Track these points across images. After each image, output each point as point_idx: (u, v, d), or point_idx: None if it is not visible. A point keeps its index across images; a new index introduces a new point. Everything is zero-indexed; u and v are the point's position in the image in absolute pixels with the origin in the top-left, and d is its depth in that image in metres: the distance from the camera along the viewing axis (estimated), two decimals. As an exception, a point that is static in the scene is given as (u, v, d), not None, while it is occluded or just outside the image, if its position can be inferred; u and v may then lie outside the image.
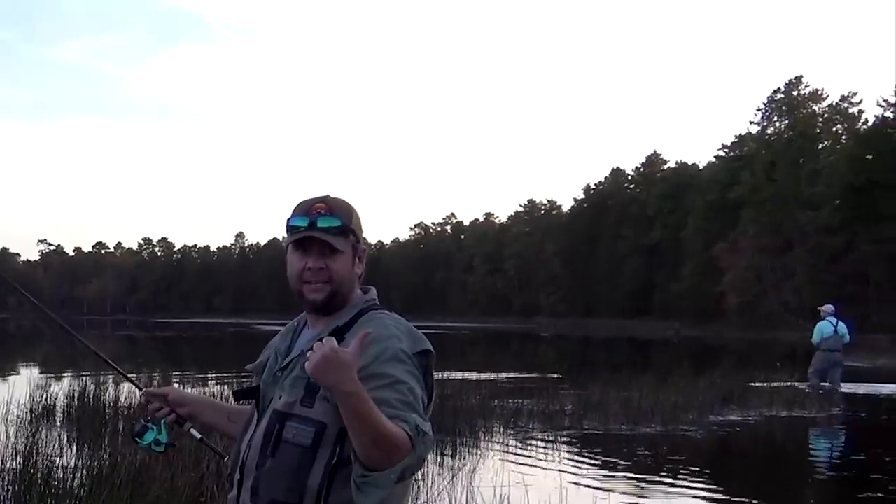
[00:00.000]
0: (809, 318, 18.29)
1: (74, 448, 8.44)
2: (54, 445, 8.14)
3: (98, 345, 2.93)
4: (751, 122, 77.30)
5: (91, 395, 10.87)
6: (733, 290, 67.00)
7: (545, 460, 8.97)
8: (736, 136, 79.22)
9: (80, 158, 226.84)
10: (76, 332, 2.75)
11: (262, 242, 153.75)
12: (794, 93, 71.32)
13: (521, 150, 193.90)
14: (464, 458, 8.83)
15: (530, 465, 8.63)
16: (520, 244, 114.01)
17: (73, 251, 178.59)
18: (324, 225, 1.96)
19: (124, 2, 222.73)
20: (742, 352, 33.75)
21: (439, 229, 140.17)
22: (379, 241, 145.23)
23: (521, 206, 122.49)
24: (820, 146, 69.50)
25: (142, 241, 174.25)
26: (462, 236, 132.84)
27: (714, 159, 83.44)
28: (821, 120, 70.75)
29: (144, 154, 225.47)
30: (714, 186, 76.32)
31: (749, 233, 66.41)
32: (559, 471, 8.21)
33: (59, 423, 10.19)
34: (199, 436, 2.40)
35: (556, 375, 19.27)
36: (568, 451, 9.58)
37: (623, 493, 7.45)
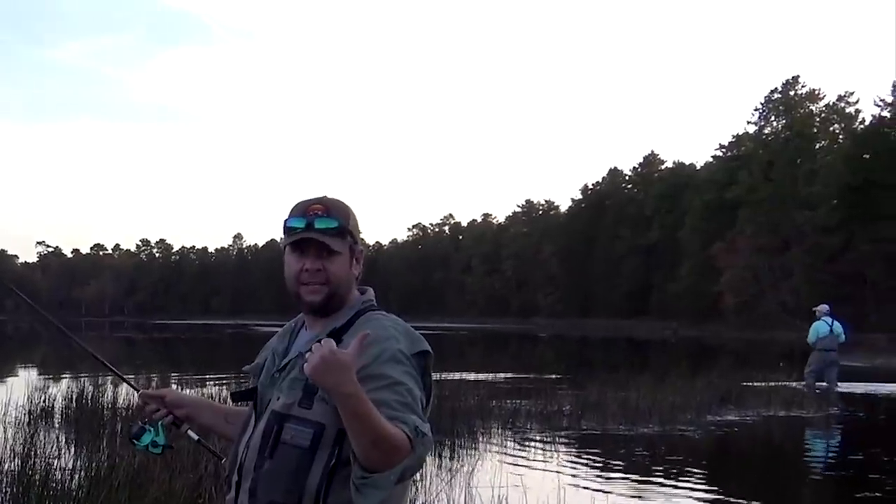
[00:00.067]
0: (807, 317, 18.29)
1: (72, 450, 8.44)
2: (52, 447, 8.10)
3: (96, 346, 2.93)
4: (748, 122, 77.55)
5: (89, 397, 10.88)
6: (731, 290, 67.01)
7: (543, 461, 8.98)
8: (733, 136, 79.23)
9: (79, 160, 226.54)
10: (72, 334, 2.74)
11: (260, 244, 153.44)
12: (791, 93, 71.35)
13: (519, 150, 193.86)
14: (462, 459, 8.83)
15: (528, 466, 8.64)
16: (517, 245, 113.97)
17: (72, 253, 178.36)
18: (321, 226, 1.96)
19: (124, 3, 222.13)
20: (740, 352, 33.78)
21: (437, 230, 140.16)
22: (377, 242, 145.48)
23: (518, 206, 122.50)
24: (817, 146, 69.54)
25: (140, 243, 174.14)
26: (460, 237, 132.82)
27: (711, 159, 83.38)
28: (818, 120, 70.80)
29: (143, 155, 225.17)
30: (711, 186, 76.26)
31: (746, 232, 66.40)
32: (557, 471, 8.22)
33: (57, 425, 10.20)
34: (196, 437, 2.39)
35: (553, 376, 19.28)
36: (566, 452, 9.59)
37: (621, 494, 7.47)
